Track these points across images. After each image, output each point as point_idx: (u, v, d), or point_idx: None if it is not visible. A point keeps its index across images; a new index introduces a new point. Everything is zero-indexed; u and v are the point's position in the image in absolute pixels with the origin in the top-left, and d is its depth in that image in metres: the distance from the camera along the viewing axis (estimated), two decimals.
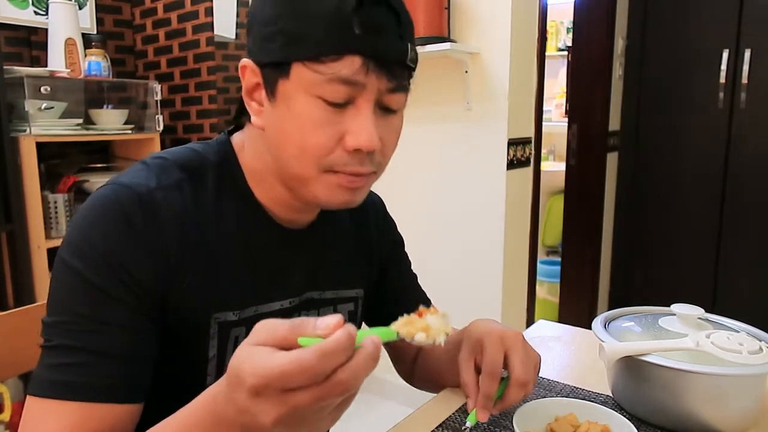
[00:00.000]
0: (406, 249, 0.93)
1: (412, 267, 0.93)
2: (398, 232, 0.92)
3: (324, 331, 0.41)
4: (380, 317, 0.88)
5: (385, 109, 0.61)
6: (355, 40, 0.55)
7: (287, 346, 0.41)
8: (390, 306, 0.87)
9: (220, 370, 0.65)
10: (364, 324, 0.90)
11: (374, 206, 0.87)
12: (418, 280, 0.93)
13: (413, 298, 0.90)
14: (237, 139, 0.71)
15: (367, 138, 0.58)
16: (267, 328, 0.43)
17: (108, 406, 0.57)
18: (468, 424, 0.68)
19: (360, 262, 0.82)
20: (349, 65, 0.56)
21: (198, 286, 0.63)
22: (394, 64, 0.58)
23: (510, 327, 0.73)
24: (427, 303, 0.92)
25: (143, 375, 0.61)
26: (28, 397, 0.57)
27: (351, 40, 0.55)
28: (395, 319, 0.88)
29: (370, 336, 0.42)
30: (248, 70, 0.62)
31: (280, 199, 0.68)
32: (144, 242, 0.59)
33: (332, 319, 0.42)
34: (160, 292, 0.60)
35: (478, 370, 0.71)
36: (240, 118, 0.71)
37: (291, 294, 0.71)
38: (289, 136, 0.60)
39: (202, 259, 0.63)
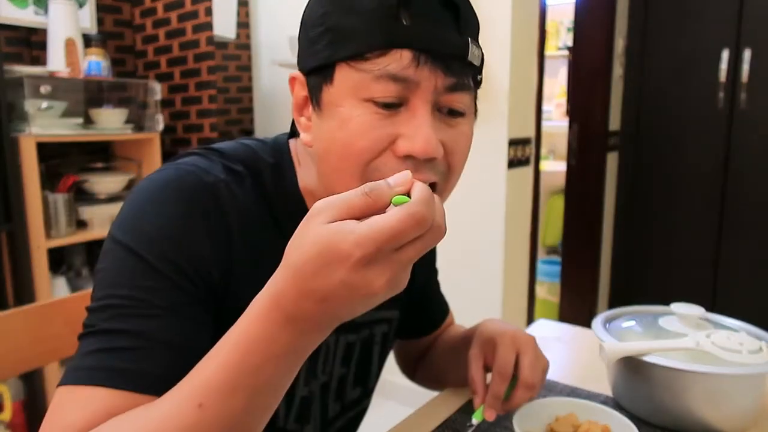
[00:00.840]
0: None
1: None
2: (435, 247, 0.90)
3: (404, 187, 0.41)
4: (404, 328, 0.85)
5: (448, 112, 0.55)
6: (403, 31, 0.50)
7: (368, 215, 0.40)
8: (413, 319, 0.85)
9: None
10: None
11: None
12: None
13: (436, 311, 0.91)
14: (294, 148, 0.66)
15: (423, 142, 0.52)
16: (335, 204, 0.40)
17: (141, 397, 0.49)
18: (474, 421, 0.68)
19: None
20: (398, 60, 0.51)
21: (248, 292, 0.57)
22: (451, 58, 0.52)
23: (522, 329, 0.73)
24: (446, 311, 0.92)
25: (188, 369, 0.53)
26: (57, 388, 0.50)
27: (397, 32, 0.50)
28: (415, 331, 0.86)
29: (420, 185, 0.41)
30: (297, 83, 0.59)
31: None
32: (208, 230, 0.55)
33: (404, 175, 0.41)
34: (218, 284, 0.56)
35: (487, 369, 0.71)
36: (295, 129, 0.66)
37: None
38: (332, 145, 0.54)
39: (252, 264, 0.59)
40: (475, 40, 0.56)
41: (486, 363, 0.71)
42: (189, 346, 0.52)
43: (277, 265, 0.54)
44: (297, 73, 0.59)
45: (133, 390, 0.49)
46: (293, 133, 0.67)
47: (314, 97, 0.56)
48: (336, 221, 0.39)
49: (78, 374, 0.50)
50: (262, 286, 0.54)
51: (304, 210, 0.61)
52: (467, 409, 0.77)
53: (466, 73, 0.54)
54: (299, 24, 0.59)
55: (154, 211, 0.55)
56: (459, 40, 0.53)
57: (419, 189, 0.40)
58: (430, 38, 0.51)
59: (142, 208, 0.55)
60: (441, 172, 0.56)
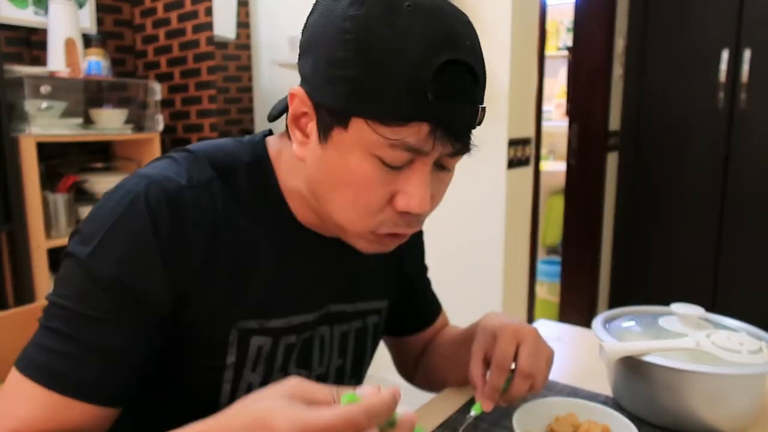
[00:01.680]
0: None
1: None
2: (423, 241, 0.91)
3: (363, 392, 0.43)
4: (394, 325, 0.86)
5: (440, 167, 0.58)
6: (428, 107, 0.50)
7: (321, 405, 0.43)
8: (405, 314, 0.87)
9: (238, 378, 0.63)
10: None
11: None
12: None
13: (428, 306, 0.91)
14: (274, 145, 0.66)
15: (420, 202, 0.55)
16: (303, 385, 0.44)
17: (79, 404, 0.55)
18: (472, 413, 0.69)
19: (389, 274, 0.80)
20: (416, 133, 0.52)
21: (221, 294, 0.60)
22: (464, 129, 0.54)
23: (525, 323, 0.73)
24: (438, 309, 0.92)
25: (128, 381, 0.58)
26: (13, 368, 0.56)
27: (423, 107, 0.50)
28: (408, 327, 0.87)
29: (410, 415, 0.44)
30: (297, 99, 0.57)
31: (312, 219, 0.66)
32: (160, 248, 0.56)
33: (371, 388, 0.44)
34: (171, 303, 0.58)
35: (488, 363, 0.71)
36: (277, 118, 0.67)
37: (319, 305, 0.69)
38: (337, 187, 0.57)
39: (228, 265, 0.60)
40: (482, 101, 0.56)
41: (487, 357, 0.71)
42: (124, 357, 0.56)
43: (254, 266, 0.61)
44: (299, 91, 0.57)
45: (68, 396, 0.54)
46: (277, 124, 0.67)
47: (322, 129, 0.56)
48: (291, 397, 0.43)
49: (28, 364, 0.55)
50: (234, 291, 0.60)
51: (284, 206, 0.64)
52: (467, 409, 0.77)
53: (469, 137, 0.56)
54: (307, 37, 0.57)
55: (110, 224, 0.56)
56: (473, 111, 0.54)
57: (376, 397, 0.42)
58: (450, 114, 0.52)
59: (101, 220, 0.57)
60: (422, 221, 0.61)
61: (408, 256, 0.83)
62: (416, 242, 0.87)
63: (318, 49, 0.54)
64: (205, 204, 0.59)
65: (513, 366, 0.69)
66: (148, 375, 0.60)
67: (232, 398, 0.63)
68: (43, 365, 0.54)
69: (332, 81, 0.52)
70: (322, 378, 0.72)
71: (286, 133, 0.65)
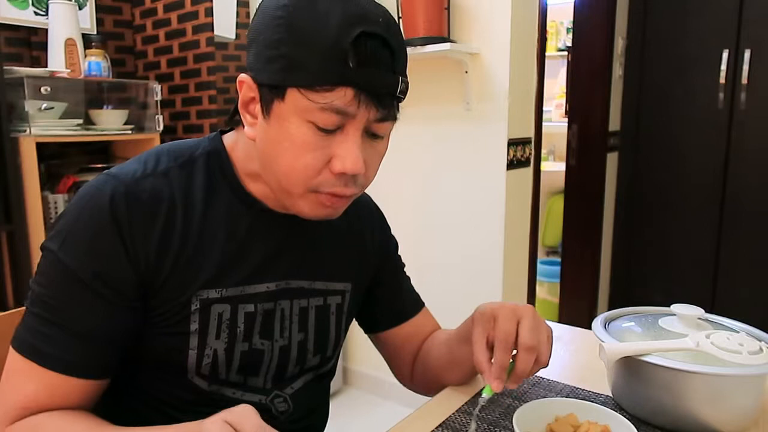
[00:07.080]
0: (405, 250, 0.94)
1: (409, 268, 0.94)
2: (393, 236, 0.93)
3: None
4: (374, 317, 0.91)
5: (372, 135, 0.65)
6: (350, 73, 0.58)
7: None
8: (383, 306, 0.90)
9: (202, 344, 0.69)
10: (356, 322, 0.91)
11: (370, 210, 0.89)
12: (412, 282, 0.94)
13: (406, 299, 0.92)
14: (229, 137, 0.75)
15: (353, 163, 0.62)
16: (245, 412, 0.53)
17: (73, 379, 0.63)
18: (484, 395, 0.68)
19: (351, 258, 0.83)
20: (342, 96, 0.59)
21: (182, 268, 0.67)
22: (385, 96, 0.61)
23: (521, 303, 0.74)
24: (420, 304, 0.93)
25: (111, 355, 0.66)
26: (11, 347, 0.64)
27: (345, 73, 0.58)
28: (389, 319, 0.89)
29: None
30: (245, 85, 0.65)
31: (268, 198, 0.72)
32: (124, 237, 0.63)
33: None
34: (136, 282, 0.65)
35: (490, 348, 0.71)
36: (233, 119, 0.73)
37: (277, 277, 0.74)
38: (280, 153, 0.63)
39: (188, 242, 0.67)
40: (404, 74, 0.64)
41: (489, 341, 0.71)
42: (103, 336, 0.65)
43: (213, 240, 0.69)
44: (246, 77, 0.64)
45: (59, 372, 0.63)
46: (232, 118, 0.73)
47: (265, 105, 0.63)
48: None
49: (23, 345, 0.63)
50: (194, 264, 0.67)
51: (240, 188, 0.72)
52: (467, 409, 0.77)
53: (393, 106, 0.63)
54: (251, 33, 0.64)
55: (76, 221, 0.64)
56: (392, 79, 0.61)
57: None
58: (370, 79, 0.59)
59: (68, 217, 0.65)
60: (360, 185, 0.67)
61: (371, 239, 0.86)
62: (378, 225, 0.90)
63: (258, 39, 0.62)
64: (161, 189, 0.67)
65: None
66: (130, 344, 0.68)
67: (199, 364, 0.69)
68: (34, 346, 0.63)
69: (270, 60, 0.61)
70: (285, 349, 0.76)
71: (241, 125, 0.70)
